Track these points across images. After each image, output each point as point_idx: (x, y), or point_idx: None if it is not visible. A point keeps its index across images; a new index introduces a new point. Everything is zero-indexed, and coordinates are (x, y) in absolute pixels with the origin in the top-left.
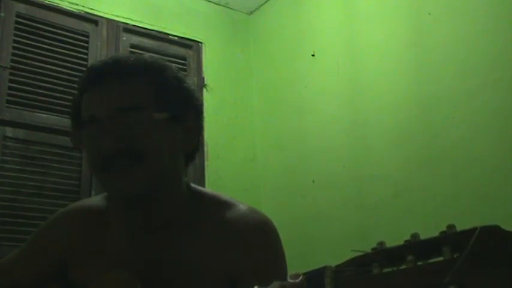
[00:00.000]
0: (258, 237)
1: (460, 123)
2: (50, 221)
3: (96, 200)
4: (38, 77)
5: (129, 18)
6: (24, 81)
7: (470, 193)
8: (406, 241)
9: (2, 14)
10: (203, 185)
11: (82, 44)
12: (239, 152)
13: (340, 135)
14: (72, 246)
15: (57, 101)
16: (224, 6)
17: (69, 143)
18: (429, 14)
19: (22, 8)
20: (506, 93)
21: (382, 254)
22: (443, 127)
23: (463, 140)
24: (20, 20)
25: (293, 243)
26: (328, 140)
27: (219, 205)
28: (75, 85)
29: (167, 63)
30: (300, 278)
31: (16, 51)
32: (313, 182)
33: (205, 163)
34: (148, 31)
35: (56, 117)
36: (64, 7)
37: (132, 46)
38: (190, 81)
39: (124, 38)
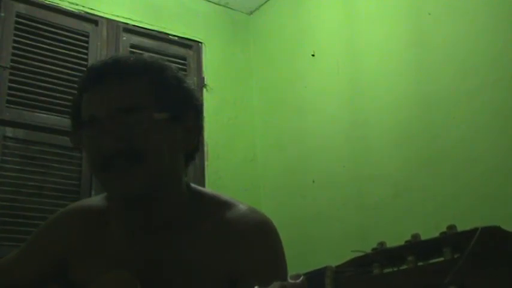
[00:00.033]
0: (258, 237)
1: (460, 123)
2: (50, 221)
3: (96, 200)
4: (38, 77)
5: (129, 18)
6: (24, 81)
7: (470, 193)
8: (406, 241)
9: (2, 14)
10: (203, 185)
11: (82, 44)
12: (239, 152)
13: (340, 135)
14: (72, 246)
15: (57, 101)
16: (224, 6)
17: (69, 143)
18: (429, 14)
19: (22, 8)
20: (506, 93)
21: (383, 255)
22: (443, 127)
23: (463, 140)
24: (20, 20)
25: (293, 243)
26: (328, 140)
27: (219, 205)
28: (75, 85)
29: (167, 63)
30: (301, 278)
31: (16, 51)
32: (313, 182)
33: (205, 163)
34: (148, 31)
35: (56, 117)
36: (64, 7)
37: (132, 46)
38: (190, 81)
39: (124, 38)
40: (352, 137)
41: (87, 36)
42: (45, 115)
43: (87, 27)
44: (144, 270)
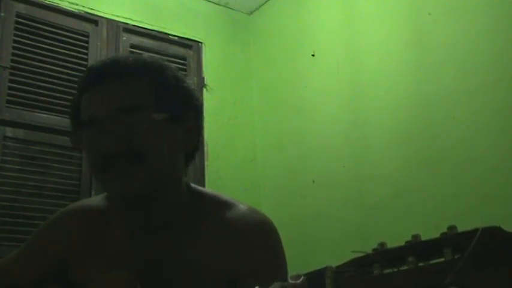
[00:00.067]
0: (258, 237)
1: (460, 123)
2: (50, 221)
3: (96, 200)
4: (38, 77)
5: (129, 18)
6: (24, 81)
7: (470, 193)
8: (407, 242)
9: (2, 14)
10: (203, 185)
11: (82, 44)
12: (239, 152)
13: (340, 135)
14: (72, 246)
15: (57, 101)
16: (224, 6)
17: (69, 143)
18: (429, 14)
19: (22, 8)
20: (506, 93)
21: (383, 255)
22: (443, 127)
23: (463, 140)
24: (20, 20)
25: (293, 243)
26: (328, 140)
27: (219, 205)
28: (75, 85)
29: (166, 63)
30: (301, 278)
31: (16, 51)
32: (313, 182)
33: (205, 163)
34: (148, 31)
35: (56, 117)
36: (64, 7)
37: (132, 46)
38: (190, 81)
39: (124, 38)
40: (352, 137)
41: (87, 36)
42: (45, 115)
43: (87, 27)
44: (144, 270)
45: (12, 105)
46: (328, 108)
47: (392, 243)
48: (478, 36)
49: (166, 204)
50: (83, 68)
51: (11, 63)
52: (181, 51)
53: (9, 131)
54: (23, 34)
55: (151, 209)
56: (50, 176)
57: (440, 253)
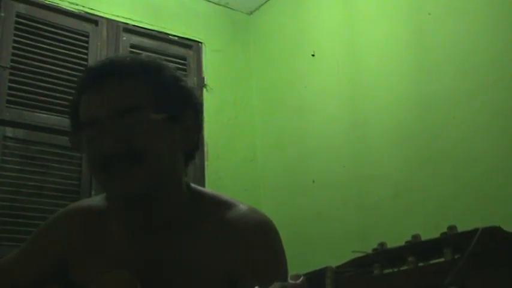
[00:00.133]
0: (258, 237)
1: (460, 123)
2: (50, 221)
3: (96, 200)
4: (38, 77)
5: (129, 18)
6: (24, 81)
7: (470, 193)
8: (407, 242)
9: (2, 14)
10: (203, 185)
11: (82, 44)
12: (239, 152)
13: (340, 135)
14: (72, 246)
15: (57, 101)
16: (224, 6)
17: (69, 143)
18: (429, 14)
19: (22, 8)
20: (506, 93)
21: (383, 255)
22: (443, 127)
23: (463, 140)
24: (20, 20)
25: (293, 243)
26: (328, 140)
27: (219, 205)
28: (75, 85)
29: (164, 62)
30: (301, 278)
31: (16, 51)
32: (313, 182)
33: (205, 163)
34: (148, 31)
35: (56, 117)
36: (64, 7)
37: (132, 46)
38: (190, 81)
39: (124, 38)
40: (352, 137)
41: (87, 36)
42: (45, 115)
43: (87, 27)
44: (144, 270)
45: (12, 105)
46: (328, 108)
47: (392, 243)
48: (478, 36)
49: (166, 204)
50: (83, 68)
51: (11, 63)
52: (181, 51)
53: (9, 131)
54: (23, 34)
55: (151, 209)
56: (50, 176)
57: (440, 253)
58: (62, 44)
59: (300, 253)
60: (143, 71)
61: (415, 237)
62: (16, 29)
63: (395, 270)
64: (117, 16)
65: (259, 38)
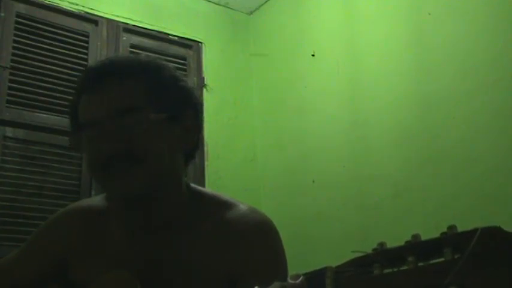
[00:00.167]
0: (258, 237)
1: (460, 123)
2: (50, 221)
3: (96, 200)
4: (38, 77)
5: (129, 18)
6: (24, 81)
7: (470, 193)
8: (406, 242)
9: (2, 14)
10: (203, 185)
11: (82, 44)
12: (239, 152)
13: (340, 135)
14: (72, 246)
15: (57, 101)
16: (224, 6)
17: (69, 143)
18: (429, 14)
19: (22, 8)
20: (506, 93)
21: (383, 255)
22: (443, 127)
23: (463, 140)
24: (20, 20)
25: (293, 243)
26: (328, 140)
27: (219, 205)
28: (75, 85)
29: (163, 62)
30: (300, 278)
31: (16, 51)
32: (313, 182)
33: (205, 163)
34: (148, 31)
35: (56, 117)
36: (64, 7)
37: (132, 46)
38: (190, 81)
39: (124, 38)
40: (352, 137)
41: (87, 36)
42: (45, 115)
43: (87, 27)
44: (144, 270)
45: (12, 105)
46: (328, 108)
47: (392, 243)
48: (478, 36)
49: (166, 204)
50: (83, 68)
51: (11, 63)
52: (181, 51)
53: (9, 131)
54: (23, 34)
55: (151, 209)
56: (50, 176)
57: (440, 253)
58: (62, 44)
59: (300, 253)
60: (143, 71)
61: (415, 237)
62: (16, 29)
63: (395, 270)
64: (117, 16)
65: (259, 38)
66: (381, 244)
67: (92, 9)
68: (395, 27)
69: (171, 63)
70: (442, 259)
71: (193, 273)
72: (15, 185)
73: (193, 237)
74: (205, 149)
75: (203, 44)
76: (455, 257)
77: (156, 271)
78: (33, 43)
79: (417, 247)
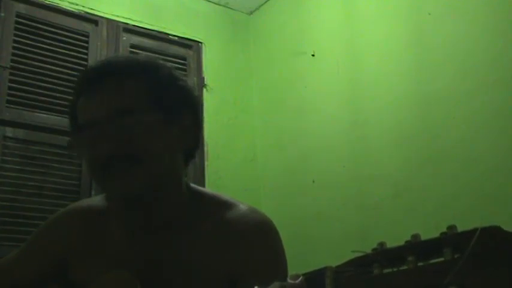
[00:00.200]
0: (258, 237)
1: (460, 123)
2: (50, 221)
3: (96, 200)
4: (38, 77)
5: (129, 18)
6: (24, 81)
7: (470, 193)
8: (406, 242)
9: (2, 14)
10: (203, 185)
11: (82, 44)
12: (239, 152)
13: (340, 135)
14: (72, 246)
15: (57, 101)
16: (224, 6)
17: (68, 144)
18: (429, 14)
19: (22, 8)
20: (506, 93)
21: (383, 255)
22: (443, 127)
23: (463, 140)
24: (20, 20)
25: (293, 243)
26: (328, 140)
27: (219, 205)
28: (74, 86)
29: (162, 62)
30: (300, 278)
31: (16, 51)
32: (313, 182)
33: (205, 163)
34: (148, 31)
35: (56, 117)
36: (64, 7)
37: (132, 46)
38: (190, 81)
39: (124, 38)
40: (352, 137)
41: (87, 36)
42: (45, 115)
43: (87, 27)
44: (144, 270)
45: (12, 105)
46: (328, 108)
47: (392, 243)
48: (478, 36)
49: (166, 204)
50: (83, 68)
51: (11, 63)
52: (181, 51)
53: (9, 131)
54: (23, 34)
55: (151, 209)
56: (50, 176)
57: (440, 253)
58: (62, 44)
59: (300, 253)
60: (142, 71)
61: (415, 237)
62: (16, 29)
63: (395, 270)
64: (117, 16)
65: (259, 38)
66: (381, 244)
67: (92, 9)
68: (395, 27)
69: (171, 63)
70: (441, 259)
71: (193, 273)
72: (15, 185)
73: (193, 237)
74: (205, 149)
75: (203, 44)
76: (455, 256)
77: (156, 271)
78: (33, 43)
79: (417, 247)
